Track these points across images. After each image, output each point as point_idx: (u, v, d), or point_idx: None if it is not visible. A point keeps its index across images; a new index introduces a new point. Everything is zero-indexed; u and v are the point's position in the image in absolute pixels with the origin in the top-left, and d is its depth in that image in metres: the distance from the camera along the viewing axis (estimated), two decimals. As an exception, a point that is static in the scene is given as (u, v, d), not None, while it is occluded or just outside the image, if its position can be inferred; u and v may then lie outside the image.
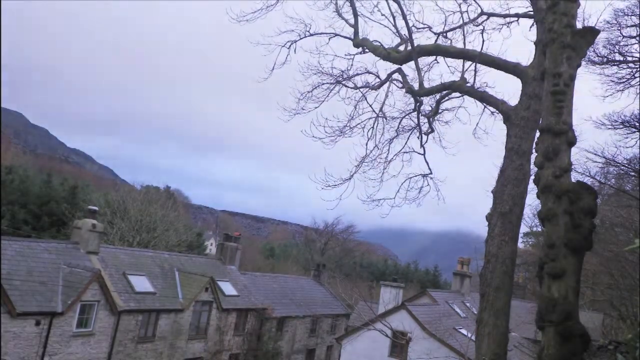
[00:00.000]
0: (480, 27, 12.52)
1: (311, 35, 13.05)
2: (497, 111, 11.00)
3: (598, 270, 22.87)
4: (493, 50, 19.52)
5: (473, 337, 9.73)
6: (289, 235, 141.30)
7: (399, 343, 24.65)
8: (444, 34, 12.95)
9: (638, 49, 14.56)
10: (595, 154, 16.52)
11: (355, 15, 12.37)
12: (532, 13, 10.98)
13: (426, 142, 13.59)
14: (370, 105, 13.83)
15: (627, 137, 15.87)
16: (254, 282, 34.65)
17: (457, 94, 12.77)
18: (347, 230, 79.45)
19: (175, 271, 28.73)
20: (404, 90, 12.85)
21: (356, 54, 12.94)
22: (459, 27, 12.58)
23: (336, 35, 12.99)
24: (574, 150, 5.94)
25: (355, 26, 12.43)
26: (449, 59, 12.70)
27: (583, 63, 9.55)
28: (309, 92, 13.33)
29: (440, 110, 13.60)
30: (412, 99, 13.23)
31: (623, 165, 17.33)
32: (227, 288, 30.92)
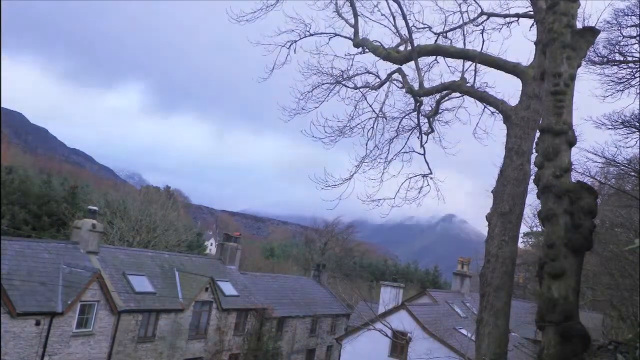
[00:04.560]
0: (480, 27, 12.52)
1: (311, 35, 13.03)
2: (497, 111, 10.99)
3: (598, 270, 22.83)
4: (493, 50, 19.51)
5: (473, 337, 9.72)
6: (289, 235, 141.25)
7: (399, 343, 24.66)
8: (444, 34, 12.94)
9: (638, 49, 14.55)
10: (595, 154, 16.49)
11: (355, 15, 12.35)
12: (532, 13, 10.98)
13: (426, 142, 13.59)
14: (370, 105, 13.82)
15: (627, 137, 15.84)
16: (254, 282, 34.64)
17: (457, 94, 12.75)
18: (347, 230, 79.45)
19: (175, 271, 28.72)
20: (404, 90, 12.84)
21: (356, 54, 12.92)
22: (459, 27, 12.57)
23: (336, 35, 12.98)
24: (574, 150, 5.94)
25: (355, 26, 12.42)
26: (449, 59, 12.68)
27: (583, 63, 9.55)
28: (309, 92, 13.32)
29: (440, 110, 13.59)
30: (412, 99, 13.21)
31: (623, 165, 17.31)
32: (227, 288, 30.92)
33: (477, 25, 12.55)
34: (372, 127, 13.76)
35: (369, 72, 13.46)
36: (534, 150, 6.34)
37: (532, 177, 6.27)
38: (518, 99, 9.98)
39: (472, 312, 31.32)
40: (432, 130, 13.74)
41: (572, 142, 5.80)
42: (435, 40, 12.80)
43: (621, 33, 14.38)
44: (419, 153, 13.74)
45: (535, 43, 9.94)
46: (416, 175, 13.85)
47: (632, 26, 14.19)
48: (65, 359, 21.76)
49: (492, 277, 9.04)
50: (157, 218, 42.94)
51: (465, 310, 32.49)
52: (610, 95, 15.08)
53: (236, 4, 14.01)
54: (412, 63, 11.72)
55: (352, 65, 13.31)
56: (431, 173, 13.77)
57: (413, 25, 12.34)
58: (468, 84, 11.64)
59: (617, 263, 19.78)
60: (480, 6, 12.35)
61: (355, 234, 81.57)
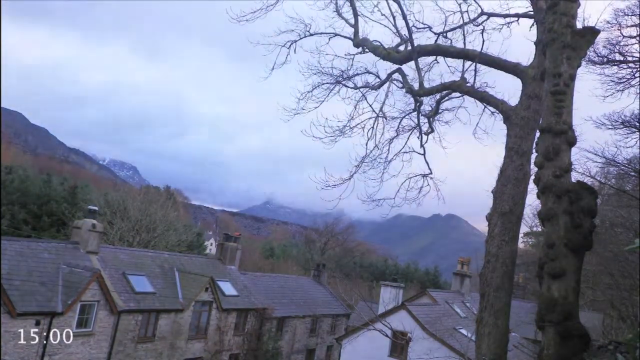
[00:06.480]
0: (480, 27, 12.51)
1: (311, 35, 13.04)
2: (497, 111, 11.00)
3: (598, 270, 22.84)
4: (493, 50, 19.52)
5: (473, 337, 9.73)
6: (289, 235, 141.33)
7: (399, 343, 24.66)
8: (444, 34, 12.94)
9: (638, 49, 14.54)
10: (595, 154, 16.46)
11: (355, 15, 12.36)
12: (532, 13, 10.99)
13: (426, 142, 13.60)
14: (370, 105, 13.83)
15: (627, 137, 15.82)
16: (254, 282, 34.64)
17: (457, 94, 12.76)
18: (347, 230, 79.52)
19: (175, 271, 28.71)
20: (404, 90, 12.85)
21: (356, 54, 12.93)
22: (459, 27, 12.57)
23: (336, 35, 12.99)
24: (574, 150, 5.94)
25: (355, 26, 12.43)
26: (449, 59, 12.68)
27: (583, 63, 9.56)
28: (309, 92, 13.33)
29: (440, 110, 13.59)
30: (412, 99, 13.22)
31: (623, 165, 17.30)
32: (227, 288, 30.91)
33: (477, 25, 12.55)
34: (372, 127, 13.77)
35: (369, 72, 13.48)
36: (534, 150, 6.35)
37: (532, 177, 6.27)
38: (518, 99, 9.98)
39: (472, 312, 31.31)
40: (432, 130, 13.74)
41: (572, 142, 5.80)
42: (435, 40, 12.80)
43: (621, 33, 14.38)
44: (419, 153, 13.75)
45: (535, 43, 9.94)
46: (416, 175, 13.87)
47: (632, 26, 14.19)
48: (66, 359, 21.76)
49: (492, 277, 9.05)
50: (157, 218, 42.93)
51: (465, 310, 32.47)
52: (610, 95, 15.07)
53: (236, 4, 14.01)
54: (412, 63, 11.74)
55: (352, 65, 13.33)
56: (431, 173, 13.78)
57: (413, 25, 12.35)
58: (468, 84, 11.65)
59: (617, 263, 19.80)
60: (480, 6, 12.35)
61: (355, 234, 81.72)
